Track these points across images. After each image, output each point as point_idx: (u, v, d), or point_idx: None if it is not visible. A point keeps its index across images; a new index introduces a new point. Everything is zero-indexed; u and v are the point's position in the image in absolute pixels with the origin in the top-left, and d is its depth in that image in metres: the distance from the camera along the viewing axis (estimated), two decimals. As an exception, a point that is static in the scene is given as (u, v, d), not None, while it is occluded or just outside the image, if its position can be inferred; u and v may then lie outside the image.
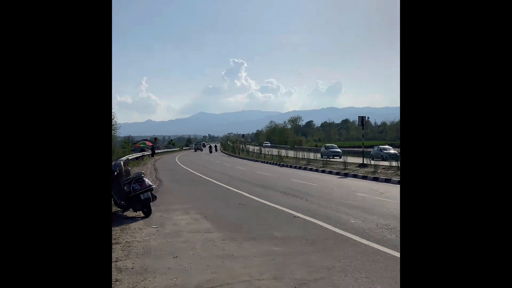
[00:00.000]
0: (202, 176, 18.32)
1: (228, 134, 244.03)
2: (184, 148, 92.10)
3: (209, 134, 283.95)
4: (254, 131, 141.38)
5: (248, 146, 55.84)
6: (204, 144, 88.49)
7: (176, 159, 38.76)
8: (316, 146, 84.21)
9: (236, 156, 45.37)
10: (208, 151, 65.79)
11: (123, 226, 6.97)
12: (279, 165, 27.24)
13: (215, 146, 72.39)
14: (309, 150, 47.85)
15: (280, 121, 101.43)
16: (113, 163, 7.91)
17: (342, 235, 6.25)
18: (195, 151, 73.56)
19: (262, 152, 39.46)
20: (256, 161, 33.91)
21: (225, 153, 61.55)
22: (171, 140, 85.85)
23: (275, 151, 35.12)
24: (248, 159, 37.39)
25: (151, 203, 7.90)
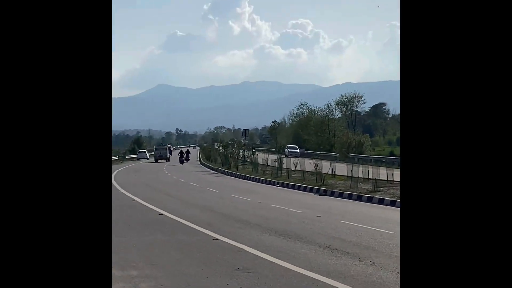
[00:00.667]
0: (164, 212, 18.47)
1: (214, 129, 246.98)
2: (127, 156, 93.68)
3: (177, 129, 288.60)
4: (268, 124, 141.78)
5: (257, 153, 56.09)
6: (170, 148, 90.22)
7: (113, 180, 39.06)
8: (392, 153, 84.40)
9: (231, 173, 45.83)
10: (179, 160, 71.18)
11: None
12: (317, 191, 27.35)
13: (187, 152, 76.74)
14: (379, 162, 47.81)
15: (319, 103, 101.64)
16: None
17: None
18: (156, 161, 79.12)
19: (284, 164, 39.60)
20: (272, 183, 34.15)
21: (208, 165, 62.29)
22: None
23: (309, 163, 35.15)
24: (255, 180, 37.73)
25: None
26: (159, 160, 78.70)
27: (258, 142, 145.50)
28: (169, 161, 78.29)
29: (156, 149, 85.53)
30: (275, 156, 44.59)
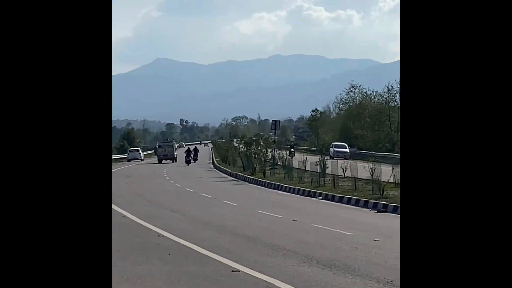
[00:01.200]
0: (165, 233, 18.57)
1: (232, 120, 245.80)
2: (114, 156, 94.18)
3: (182, 120, 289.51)
4: (306, 114, 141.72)
5: (291, 152, 55.98)
6: (172, 145, 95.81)
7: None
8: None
9: (255, 181, 46.07)
10: (185, 160, 78.26)
11: None
12: (374, 206, 27.31)
13: (195, 150, 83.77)
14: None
15: (377, 85, 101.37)
16: None
17: None
18: (160, 161, 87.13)
19: (328, 169, 39.56)
20: (311, 194, 34.16)
21: (224, 169, 62.40)
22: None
23: (363, 168, 34.93)
24: (289, 190, 37.88)
25: None
26: (163, 161, 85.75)
27: (292, 138, 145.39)
28: (176, 161, 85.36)
29: (159, 146, 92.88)
30: (316, 158, 44.54)
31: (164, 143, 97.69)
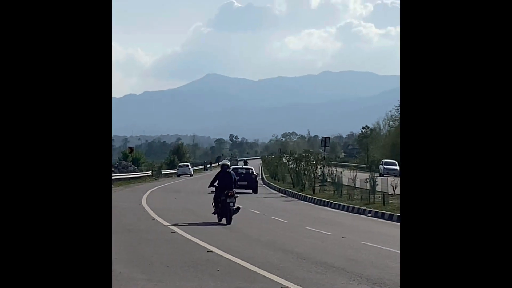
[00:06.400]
0: (214, 249, 18.61)
1: (282, 136, 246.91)
2: (164, 171, 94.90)
3: (231, 136, 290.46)
4: (356, 131, 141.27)
5: (340, 170, 55.89)
6: (236, 159, 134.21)
7: (145, 203, 39.44)
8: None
9: (305, 197, 46.34)
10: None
11: None
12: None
13: (246, 162, 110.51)
14: None
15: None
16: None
17: None
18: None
19: (378, 186, 39.36)
20: (361, 212, 34.08)
21: (273, 185, 62.37)
22: (130, 149, 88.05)
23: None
24: (338, 207, 37.90)
25: None
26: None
27: (342, 155, 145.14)
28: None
29: (229, 160, 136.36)
30: (366, 175, 44.33)
31: (231, 158, 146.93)
